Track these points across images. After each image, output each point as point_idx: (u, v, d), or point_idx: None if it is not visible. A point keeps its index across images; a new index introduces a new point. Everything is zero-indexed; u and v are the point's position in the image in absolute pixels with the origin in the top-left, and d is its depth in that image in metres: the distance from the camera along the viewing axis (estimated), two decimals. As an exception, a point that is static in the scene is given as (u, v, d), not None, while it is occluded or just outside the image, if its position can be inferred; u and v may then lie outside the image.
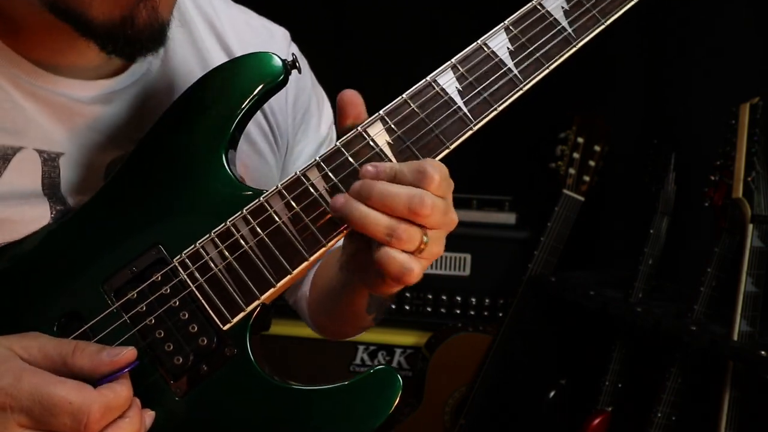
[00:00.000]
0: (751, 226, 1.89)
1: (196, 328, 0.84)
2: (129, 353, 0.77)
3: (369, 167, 0.84)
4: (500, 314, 2.62)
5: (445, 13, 2.93)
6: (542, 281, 2.49)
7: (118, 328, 0.83)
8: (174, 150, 0.91)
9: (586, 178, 2.50)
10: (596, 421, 2.35)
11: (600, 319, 2.37)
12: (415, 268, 0.82)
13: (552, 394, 2.56)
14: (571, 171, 2.49)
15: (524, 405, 2.62)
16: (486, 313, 2.68)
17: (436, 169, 0.82)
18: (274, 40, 1.13)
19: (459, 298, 2.68)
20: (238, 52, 1.05)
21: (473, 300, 2.68)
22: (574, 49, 0.93)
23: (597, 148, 2.50)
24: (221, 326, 0.84)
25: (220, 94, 0.93)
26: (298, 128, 1.14)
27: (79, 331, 0.83)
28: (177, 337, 0.84)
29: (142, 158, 0.91)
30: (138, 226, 0.88)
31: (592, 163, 2.50)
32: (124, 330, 0.83)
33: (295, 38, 1.18)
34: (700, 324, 2.00)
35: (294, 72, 0.93)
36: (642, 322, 2.17)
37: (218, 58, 1.04)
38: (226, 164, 0.90)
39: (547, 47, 0.93)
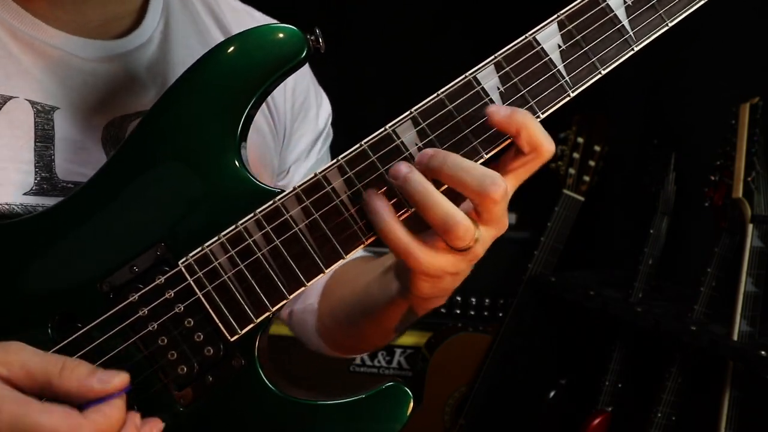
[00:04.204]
0: (751, 226, 1.89)
1: (201, 337, 0.79)
2: (121, 380, 0.69)
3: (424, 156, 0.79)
4: (500, 314, 2.62)
5: (447, 14, 2.93)
6: (542, 281, 2.49)
7: (117, 333, 0.78)
8: (180, 134, 0.82)
9: (586, 178, 2.50)
10: (596, 421, 2.35)
11: (600, 319, 2.37)
12: (450, 264, 0.79)
13: (552, 394, 2.56)
14: (571, 171, 2.49)
15: (524, 405, 2.62)
16: (486, 313, 2.68)
17: (498, 182, 0.77)
18: None
19: (459, 298, 2.68)
20: None
21: (473, 300, 2.68)
22: (632, 53, 0.84)
23: (597, 148, 2.50)
24: (228, 337, 0.79)
25: (234, 72, 0.82)
26: (296, 116, 1.10)
27: (75, 335, 0.77)
28: (181, 345, 0.79)
29: (144, 141, 0.83)
30: (139, 219, 0.80)
31: (592, 163, 2.50)
32: (124, 336, 0.78)
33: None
34: (700, 324, 2.00)
35: None
36: (642, 322, 2.17)
37: (219, 40, 1.02)
38: (238, 154, 0.82)
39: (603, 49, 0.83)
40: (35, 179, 0.85)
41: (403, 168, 0.78)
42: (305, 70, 1.14)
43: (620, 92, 2.61)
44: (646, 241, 2.28)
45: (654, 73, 2.52)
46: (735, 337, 1.89)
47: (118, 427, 0.69)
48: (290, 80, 1.07)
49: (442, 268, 0.79)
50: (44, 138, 0.86)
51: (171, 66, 0.96)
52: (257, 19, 1.10)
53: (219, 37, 1.03)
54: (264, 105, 1.00)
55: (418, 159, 0.79)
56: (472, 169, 0.76)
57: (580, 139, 2.50)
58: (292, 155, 1.10)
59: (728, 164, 1.95)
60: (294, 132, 1.10)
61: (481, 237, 0.79)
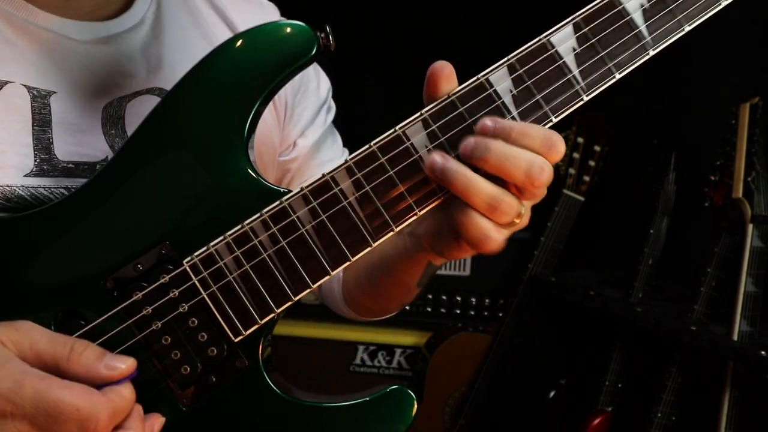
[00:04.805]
0: (751, 226, 1.89)
1: (205, 337, 0.79)
2: (128, 367, 0.72)
3: (488, 122, 0.77)
4: (500, 314, 2.62)
5: (446, 12, 2.92)
6: (542, 281, 2.49)
7: (121, 332, 0.78)
8: (186, 132, 0.81)
9: (586, 178, 2.50)
10: (596, 421, 2.35)
11: (600, 319, 2.37)
12: (499, 238, 0.79)
13: (552, 394, 2.56)
14: (571, 171, 2.49)
15: (524, 405, 2.62)
16: (486, 313, 2.69)
17: (561, 140, 0.78)
18: (266, 13, 1.12)
19: (459, 298, 2.68)
20: (234, 17, 1.04)
21: (473, 300, 2.68)
22: (648, 56, 0.83)
23: (597, 148, 2.50)
24: (233, 338, 0.79)
25: (242, 70, 0.81)
26: (297, 90, 1.10)
27: (79, 333, 0.77)
28: (185, 345, 0.79)
29: (149, 139, 0.82)
30: (144, 217, 0.80)
31: (592, 163, 2.50)
32: (128, 335, 0.78)
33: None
34: (700, 324, 2.00)
35: None
36: (642, 322, 2.17)
37: (213, 22, 1.03)
38: (245, 152, 0.81)
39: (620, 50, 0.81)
40: (35, 161, 0.86)
41: (438, 158, 0.77)
42: None
43: (620, 92, 2.61)
44: (646, 241, 2.28)
45: (654, 72, 2.52)
46: (735, 337, 1.89)
47: (129, 410, 0.72)
48: None
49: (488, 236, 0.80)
50: (41, 122, 0.86)
51: (164, 46, 0.97)
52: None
53: (211, 17, 1.04)
54: None
55: (462, 151, 0.78)
56: (517, 158, 0.76)
57: (580, 139, 2.50)
58: (296, 129, 1.11)
59: (728, 164, 1.95)
60: (296, 106, 1.10)
61: (525, 209, 0.80)
